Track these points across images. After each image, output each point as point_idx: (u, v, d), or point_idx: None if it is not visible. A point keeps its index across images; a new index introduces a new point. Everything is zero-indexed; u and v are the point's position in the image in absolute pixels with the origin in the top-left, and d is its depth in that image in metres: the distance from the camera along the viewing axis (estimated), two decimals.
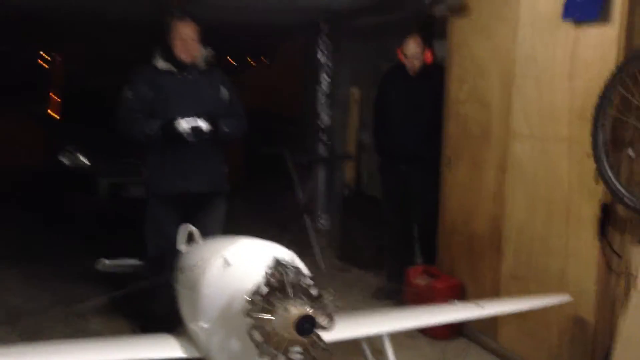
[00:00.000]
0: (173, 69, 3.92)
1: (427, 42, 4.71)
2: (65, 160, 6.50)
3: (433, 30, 5.15)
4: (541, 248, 3.70)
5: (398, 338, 4.08)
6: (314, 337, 2.19)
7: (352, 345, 3.70)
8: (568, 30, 3.49)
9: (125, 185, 6.41)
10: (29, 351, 2.65)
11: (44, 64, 10.25)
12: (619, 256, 3.30)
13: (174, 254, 3.84)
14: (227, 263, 2.54)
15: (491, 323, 4.06)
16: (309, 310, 2.15)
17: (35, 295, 4.96)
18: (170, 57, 3.90)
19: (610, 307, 3.37)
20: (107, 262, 4.49)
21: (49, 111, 7.64)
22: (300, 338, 2.14)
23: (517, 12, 3.86)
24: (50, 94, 7.76)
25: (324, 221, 6.57)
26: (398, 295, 4.75)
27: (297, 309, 2.15)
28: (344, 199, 6.32)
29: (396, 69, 4.91)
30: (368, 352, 3.27)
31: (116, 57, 9.18)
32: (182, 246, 3.82)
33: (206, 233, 3.86)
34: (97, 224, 6.51)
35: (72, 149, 6.52)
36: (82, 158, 6.52)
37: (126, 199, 6.41)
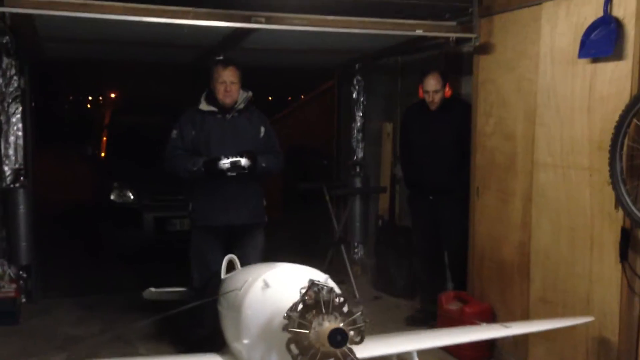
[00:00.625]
0: (215, 110, 4.25)
1: (446, 77, 4.93)
2: (113, 197, 6.88)
3: (460, 67, 5.42)
4: (567, 272, 3.85)
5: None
6: (346, 350, 2.41)
7: None
8: (585, 65, 3.69)
9: (169, 219, 6.74)
10: None
11: (91, 106, 10.82)
12: None
13: (217, 281, 4.14)
14: (266, 285, 2.79)
15: (521, 346, 4.20)
16: (341, 324, 2.38)
17: (86, 323, 5.28)
18: (213, 99, 4.23)
19: (633, 327, 3.48)
20: (153, 290, 4.76)
21: (97, 151, 8.08)
22: (333, 350, 2.36)
23: (538, 48, 4.07)
24: (99, 134, 8.21)
25: (359, 251, 6.77)
26: (431, 321, 4.92)
27: (330, 324, 2.38)
28: (378, 230, 6.53)
29: (417, 104, 5.16)
30: None
31: (159, 98, 9.70)
32: (224, 274, 4.11)
33: (246, 262, 4.14)
34: (142, 256, 6.85)
35: (120, 186, 6.90)
36: (129, 194, 6.89)
37: (170, 233, 6.74)
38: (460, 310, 4.50)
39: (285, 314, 2.46)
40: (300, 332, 2.41)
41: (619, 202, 3.38)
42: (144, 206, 6.76)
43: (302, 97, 11.19)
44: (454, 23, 4.66)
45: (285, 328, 2.44)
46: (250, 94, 4.31)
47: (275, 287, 2.77)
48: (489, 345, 4.50)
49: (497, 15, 4.44)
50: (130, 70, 8.65)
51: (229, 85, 4.16)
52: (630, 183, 3.34)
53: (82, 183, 8.52)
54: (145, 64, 7.36)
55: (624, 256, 3.44)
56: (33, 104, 5.72)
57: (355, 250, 6.79)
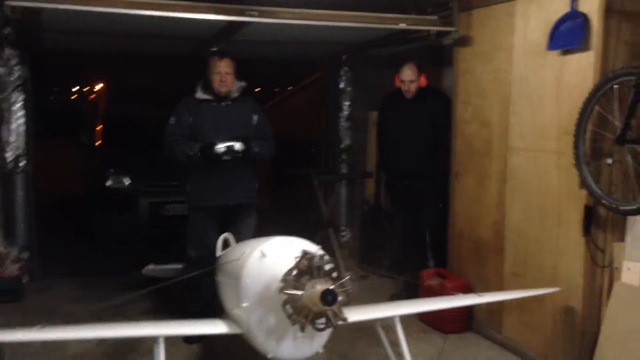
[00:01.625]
0: (210, 98, 4.52)
1: (421, 68, 5.22)
2: (109, 183, 7.11)
3: (442, 59, 5.73)
4: (536, 248, 4.19)
5: (413, 332, 4.62)
6: (336, 309, 2.72)
7: (372, 338, 4.24)
8: (555, 57, 4.01)
9: (163, 204, 6.99)
10: (108, 327, 3.18)
11: (88, 95, 11.00)
12: (603, 252, 3.78)
13: (212, 257, 4.43)
14: (263, 255, 3.09)
15: (496, 317, 4.55)
16: (331, 286, 2.69)
17: (85, 301, 5.51)
18: (208, 88, 4.51)
19: (596, 297, 3.83)
20: (151, 267, 5.04)
21: (92, 138, 8.29)
22: (324, 308, 2.67)
23: (512, 41, 4.39)
24: (94, 122, 8.43)
25: (345, 234, 7.08)
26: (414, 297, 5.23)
27: (321, 285, 2.69)
28: (364, 214, 6.84)
29: (394, 93, 5.45)
30: (383, 335, 3.74)
31: (150, 88, 9.92)
32: (219, 251, 4.41)
33: (240, 240, 4.43)
34: (137, 240, 7.12)
35: (115, 173, 7.13)
36: (124, 181, 7.13)
37: (164, 218, 6.99)
38: (441, 285, 4.83)
39: (282, 278, 2.77)
40: (295, 293, 2.72)
41: (583, 182, 3.71)
42: (139, 192, 6.99)
43: (290, 88, 11.47)
44: (435, 17, 4.95)
45: (281, 290, 2.75)
46: (244, 83, 4.58)
47: (271, 256, 3.07)
48: (467, 318, 4.84)
49: (475, 10, 4.76)
50: (124, 61, 8.86)
51: (224, 75, 4.42)
52: (592, 164, 3.68)
53: (77, 171, 8.74)
54: (139, 55, 7.55)
55: (587, 231, 3.79)
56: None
57: (342, 233, 7.09)
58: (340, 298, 2.71)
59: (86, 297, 5.64)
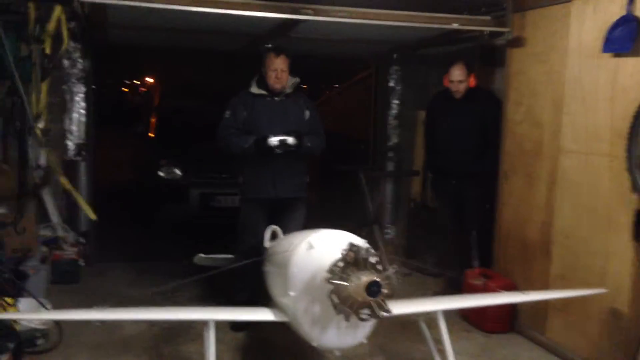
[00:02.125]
0: (265, 93, 4.65)
1: (470, 68, 5.23)
2: (162, 174, 7.35)
3: (494, 59, 5.72)
4: (585, 251, 4.16)
5: (455, 330, 4.65)
6: (380, 300, 2.79)
7: (412, 333, 4.30)
8: (609, 59, 3.98)
9: (214, 196, 7.19)
10: (162, 310, 3.34)
11: (144, 88, 11.33)
12: None
13: (261, 248, 4.56)
14: (311, 246, 3.19)
15: (540, 318, 4.54)
16: (377, 278, 2.76)
17: (138, 284, 5.75)
18: (263, 84, 4.63)
19: None
20: (202, 256, 5.21)
21: (147, 130, 8.58)
22: (369, 299, 2.75)
23: (567, 42, 4.37)
24: (149, 115, 8.72)
25: (391, 231, 7.14)
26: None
27: (367, 277, 2.77)
28: (409, 211, 6.88)
29: (442, 93, 5.48)
30: (426, 330, 3.80)
31: (202, 83, 10.17)
32: (267, 242, 4.54)
33: (288, 231, 4.55)
34: (188, 229, 7.34)
35: (167, 163, 7.37)
36: (176, 171, 7.36)
37: (214, 208, 7.19)
38: (484, 285, 4.84)
39: (329, 269, 2.86)
40: (341, 283, 2.81)
41: (635, 186, 3.68)
42: (190, 183, 7.21)
43: (336, 85, 11.54)
44: (488, 17, 4.95)
45: (328, 280, 2.84)
46: (298, 79, 4.69)
47: (318, 248, 3.17)
48: (510, 318, 4.84)
49: (529, 11, 4.74)
50: (178, 56, 9.11)
51: (279, 72, 4.54)
52: None
53: (132, 161, 9.05)
54: (193, 50, 7.78)
55: (637, 236, 3.75)
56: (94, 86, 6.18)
57: (387, 230, 7.14)
58: (384, 290, 2.79)
59: (140, 281, 5.87)
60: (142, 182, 7.94)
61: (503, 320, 4.81)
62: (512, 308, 4.80)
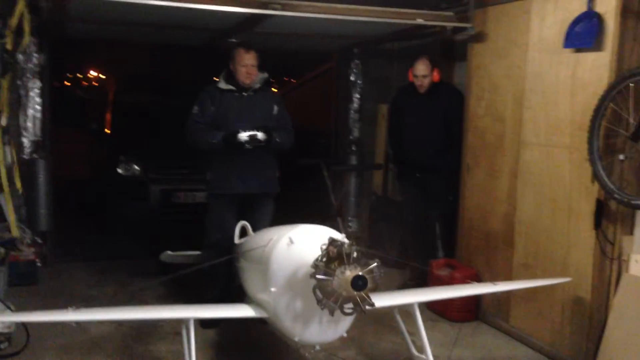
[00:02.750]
0: (233, 88, 4.62)
1: (434, 63, 5.32)
2: (120, 171, 7.19)
3: (453, 54, 5.84)
4: (547, 240, 4.32)
5: (423, 321, 4.71)
6: (365, 295, 2.84)
7: (381, 324, 4.38)
8: (569, 55, 4.13)
9: (174, 192, 7.09)
10: (142, 310, 3.30)
11: (97, 82, 11.05)
12: (612, 244, 3.91)
13: (230, 245, 4.55)
14: (291, 241, 3.21)
15: (504, 307, 4.69)
16: (361, 272, 2.81)
17: (101, 285, 5.65)
18: (231, 79, 4.61)
19: (604, 288, 3.97)
20: (170, 253, 5.15)
21: (102, 125, 8.37)
22: (354, 293, 2.79)
23: (527, 37, 4.50)
24: (105, 111, 8.50)
25: (353, 224, 7.21)
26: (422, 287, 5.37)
27: (351, 271, 2.81)
28: (371, 205, 6.97)
29: (407, 87, 5.57)
30: (400, 321, 3.88)
31: (160, 78, 9.99)
32: (237, 238, 4.53)
33: (257, 228, 4.55)
34: (148, 226, 7.23)
35: (127, 160, 7.22)
36: (135, 168, 7.22)
37: (175, 205, 7.10)
38: (450, 275, 4.96)
39: (313, 264, 2.89)
40: (325, 278, 2.84)
41: (596, 177, 3.84)
42: (150, 179, 7.09)
43: (293, 80, 11.50)
44: (451, 13, 5.04)
45: (312, 276, 2.87)
46: (266, 75, 4.69)
47: (299, 243, 3.19)
48: (475, 307, 4.99)
49: (491, 7, 4.86)
50: (134, 50, 8.93)
51: (250, 68, 4.52)
52: (605, 159, 3.80)
53: (87, 157, 8.82)
54: (151, 44, 7.64)
55: (598, 224, 3.92)
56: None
57: (350, 224, 7.21)
58: (369, 284, 2.83)
59: (101, 281, 5.76)
60: (100, 179, 7.76)
61: (468, 309, 4.95)
62: (476, 297, 4.93)
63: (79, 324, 3.23)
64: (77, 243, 6.82)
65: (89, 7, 4.33)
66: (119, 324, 4.59)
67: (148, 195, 7.05)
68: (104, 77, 10.64)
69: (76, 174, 8.76)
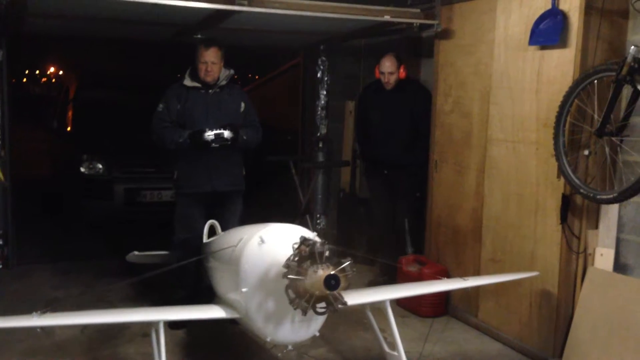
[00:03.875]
0: (199, 86, 4.55)
1: (401, 60, 5.34)
2: (83, 170, 7.03)
3: (420, 50, 5.87)
4: (514, 235, 4.37)
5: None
6: (337, 294, 2.83)
7: (352, 322, 4.38)
8: (534, 52, 4.18)
9: (139, 191, 6.97)
10: (112, 313, 3.22)
11: (57, 80, 10.77)
12: (578, 238, 3.99)
13: (199, 244, 4.49)
14: (262, 241, 3.18)
15: (473, 301, 4.74)
16: (333, 271, 2.79)
17: (65, 286, 5.52)
18: (196, 76, 4.54)
19: (571, 281, 4.04)
20: (137, 253, 5.05)
21: (63, 124, 8.16)
22: (327, 293, 2.77)
23: (493, 34, 4.54)
24: (65, 108, 8.29)
25: (321, 222, 7.19)
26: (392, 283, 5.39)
27: (324, 271, 2.79)
28: (339, 202, 6.96)
29: (374, 84, 5.59)
30: (372, 318, 3.89)
31: (126, 72, 9.82)
32: (205, 238, 4.47)
33: (226, 227, 4.51)
34: (113, 226, 7.09)
35: (89, 158, 7.06)
36: (99, 166, 7.07)
37: (140, 204, 6.97)
38: (419, 272, 4.99)
39: (285, 264, 2.86)
40: (298, 278, 2.82)
41: (561, 172, 3.90)
42: (114, 178, 6.95)
43: (257, 77, 11.39)
44: (418, 10, 5.06)
45: (284, 275, 2.84)
46: (232, 71, 4.62)
47: (270, 242, 3.16)
48: (445, 302, 5.03)
49: (457, 4, 4.89)
50: (96, 46, 8.72)
51: (209, 65, 4.45)
52: (570, 155, 3.87)
53: (48, 156, 8.61)
54: (114, 40, 7.47)
55: (563, 219, 3.98)
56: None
57: (318, 221, 7.19)
58: (342, 283, 2.82)
59: (66, 283, 5.63)
60: (63, 179, 7.58)
61: (437, 305, 4.99)
62: (446, 293, 4.97)
63: (43, 328, 3.13)
64: (39, 244, 6.66)
65: (48, 1, 4.19)
66: (85, 327, 4.49)
67: (112, 194, 6.91)
68: (62, 73, 10.36)
69: (38, 174, 8.54)
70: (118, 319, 3.25)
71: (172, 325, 4.48)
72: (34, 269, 5.97)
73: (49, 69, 14.92)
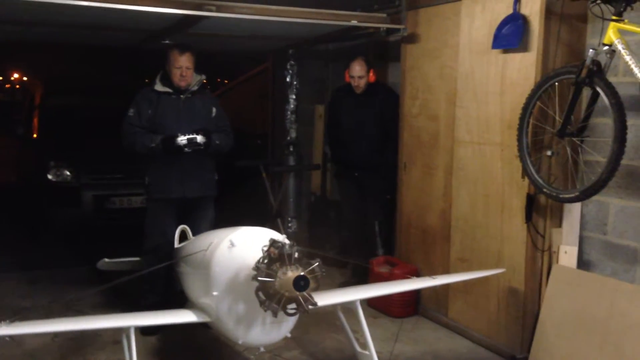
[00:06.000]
0: (170, 91, 4.55)
1: (370, 63, 5.40)
2: (50, 177, 6.94)
3: (387, 54, 5.95)
4: (482, 234, 4.47)
5: (364, 318, 4.80)
6: (307, 295, 2.86)
7: (324, 323, 4.41)
8: (498, 55, 4.28)
9: (108, 197, 6.91)
10: (81, 320, 3.20)
11: (22, 86, 10.62)
12: (542, 236, 4.09)
13: (170, 249, 4.49)
14: (232, 244, 3.20)
15: (442, 300, 4.82)
16: (302, 272, 2.83)
17: (34, 295, 5.44)
18: (167, 81, 4.54)
19: (537, 279, 4.14)
20: (107, 260, 5.02)
21: (29, 130, 8.05)
22: (297, 294, 2.81)
23: (458, 38, 4.63)
24: (31, 114, 8.18)
25: (292, 225, 7.21)
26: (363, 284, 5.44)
27: (293, 272, 2.82)
28: (310, 205, 7.01)
29: (344, 88, 5.65)
30: (343, 319, 3.93)
31: (93, 78, 9.71)
32: (177, 243, 4.47)
33: (198, 232, 4.51)
34: (82, 233, 7.01)
35: (56, 165, 6.97)
36: (66, 173, 6.98)
37: (109, 211, 6.91)
38: (390, 273, 5.05)
39: (254, 266, 2.89)
40: (267, 280, 2.85)
41: (525, 172, 3.99)
42: (82, 184, 6.88)
43: (226, 81, 11.37)
44: (384, 15, 5.13)
45: (254, 278, 2.87)
46: (203, 77, 4.64)
47: (240, 246, 3.18)
48: (415, 301, 5.10)
49: (422, 9, 4.97)
50: (62, 52, 8.60)
51: (184, 70, 4.46)
52: (534, 155, 3.97)
53: (16, 164, 8.48)
54: (80, 46, 7.39)
55: (528, 218, 4.08)
56: None
57: (289, 224, 7.21)
58: (311, 284, 2.86)
59: (33, 291, 5.56)
60: (29, 186, 7.47)
61: (408, 305, 5.06)
62: (416, 292, 5.05)
63: (12, 337, 3.09)
64: (5, 253, 6.55)
65: (10, 8, 4.14)
66: (55, 335, 4.45)
67: (80, 201, 6.83)
68: (26, 79, 10.20)
69: (3, 182, 8.41)
70: (88, 325, 3.24)
71: (144, 331, 4.46)
72: (1, 278, 5.87)
73: (12, 75, 14.65)
